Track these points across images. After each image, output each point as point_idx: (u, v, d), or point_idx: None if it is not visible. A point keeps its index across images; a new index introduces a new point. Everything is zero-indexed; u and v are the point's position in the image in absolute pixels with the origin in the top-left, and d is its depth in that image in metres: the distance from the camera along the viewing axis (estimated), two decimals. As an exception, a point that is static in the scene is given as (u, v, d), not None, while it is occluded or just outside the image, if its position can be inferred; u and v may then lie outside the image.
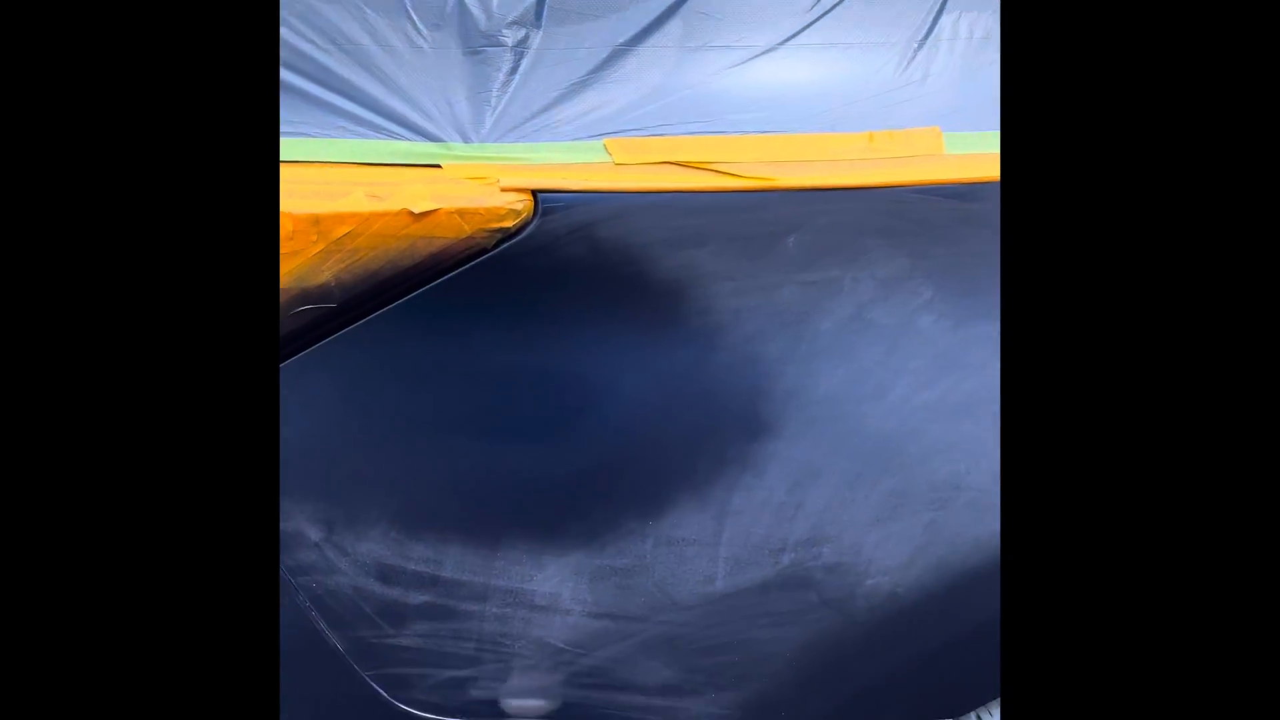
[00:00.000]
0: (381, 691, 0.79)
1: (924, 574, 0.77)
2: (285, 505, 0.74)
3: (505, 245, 0.69)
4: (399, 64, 0.71)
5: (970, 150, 0.73)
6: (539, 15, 0.72)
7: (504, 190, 0.68)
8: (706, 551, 0.76)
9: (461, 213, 0.68)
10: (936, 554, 0.77)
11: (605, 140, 0.71)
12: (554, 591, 0.77)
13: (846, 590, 0.77)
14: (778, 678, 0.79)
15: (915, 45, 0.75)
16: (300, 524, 0.74)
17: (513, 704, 0.80)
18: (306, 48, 0.70)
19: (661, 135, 0.71)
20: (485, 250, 0.70)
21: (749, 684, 0.80)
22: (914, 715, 0.83)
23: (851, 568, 0.77)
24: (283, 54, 0.70)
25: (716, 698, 0.80)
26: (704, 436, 0.75)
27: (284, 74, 0.70)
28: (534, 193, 0.69)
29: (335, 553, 0.75)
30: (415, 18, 0.71)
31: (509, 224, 0.69)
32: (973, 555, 0.77)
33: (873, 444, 0.75)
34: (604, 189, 0.70)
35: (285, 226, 0.66)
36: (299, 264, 0.67)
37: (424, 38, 0.71)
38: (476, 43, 0.72)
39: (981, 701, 0.84)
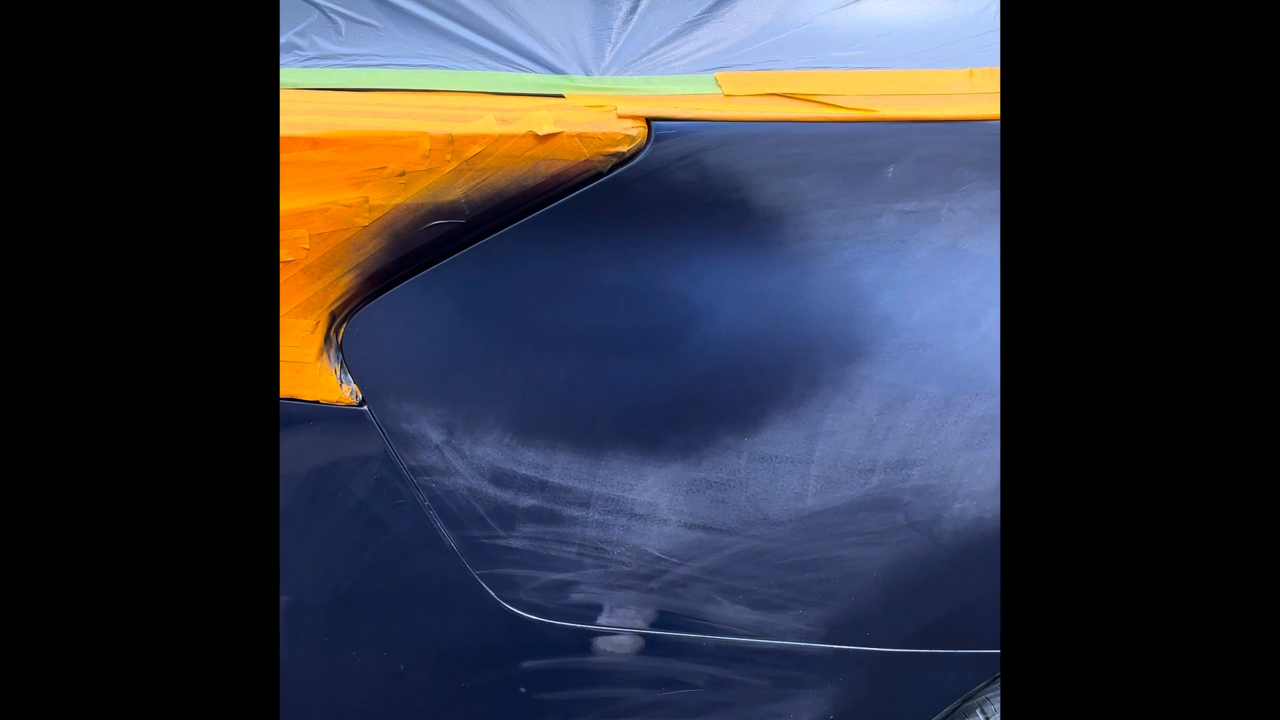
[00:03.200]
0: (490, 591, 0.85)
1: (1011, 501, 0.79)
2: (410, 408, 0.80)
3: (620, 170, 0.75)
4: (530, 4, 0.77)
5: (1069, 87, 0.75)
6: (657, -40, 0.78)
7: (620, 117, 0.74)
8: (798, 469, 0.80)
9: (581, 137, 0.73)
10: (1024, 482, 0.79)
11: (716, 74, 0.76)
12: (652, 501, 0.81)
13: (933, 513, 0.80)
14: (863, 597, 0.82)
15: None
16: (423, 426, 0.81)
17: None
18: (446, -12, 0.77)
19: (769, 70, 0.76)
20: (601, 174, 0.75)
21: (835, 602, 0.83)
22: (996, 643, 0.85)
23: (939, 491, 0.80)
24: (425, -7, 0.77)
25: (804, 614, 0.84)
26: (799, 357, 0.78)
27: (426, 12, 0.77)
28: (648, 120, 0.74)
29: (454, 455, 0.81)
30: (544, -38, 0.77)
31: (624, 148, 0.74)
32: (1060, 485, 0.79)
33: (964, 371, 0.78)
34: (713, 118, 0.74)
35: (422, 145, 0.73)
36: (433, 181, 0.74)
37: (551, -20, 0.77)
38: (599, -15, 0.77)
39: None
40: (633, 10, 0.77)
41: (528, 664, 0.87)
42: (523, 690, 0.87)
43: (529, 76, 0.76)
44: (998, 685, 0.92)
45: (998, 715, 0.92)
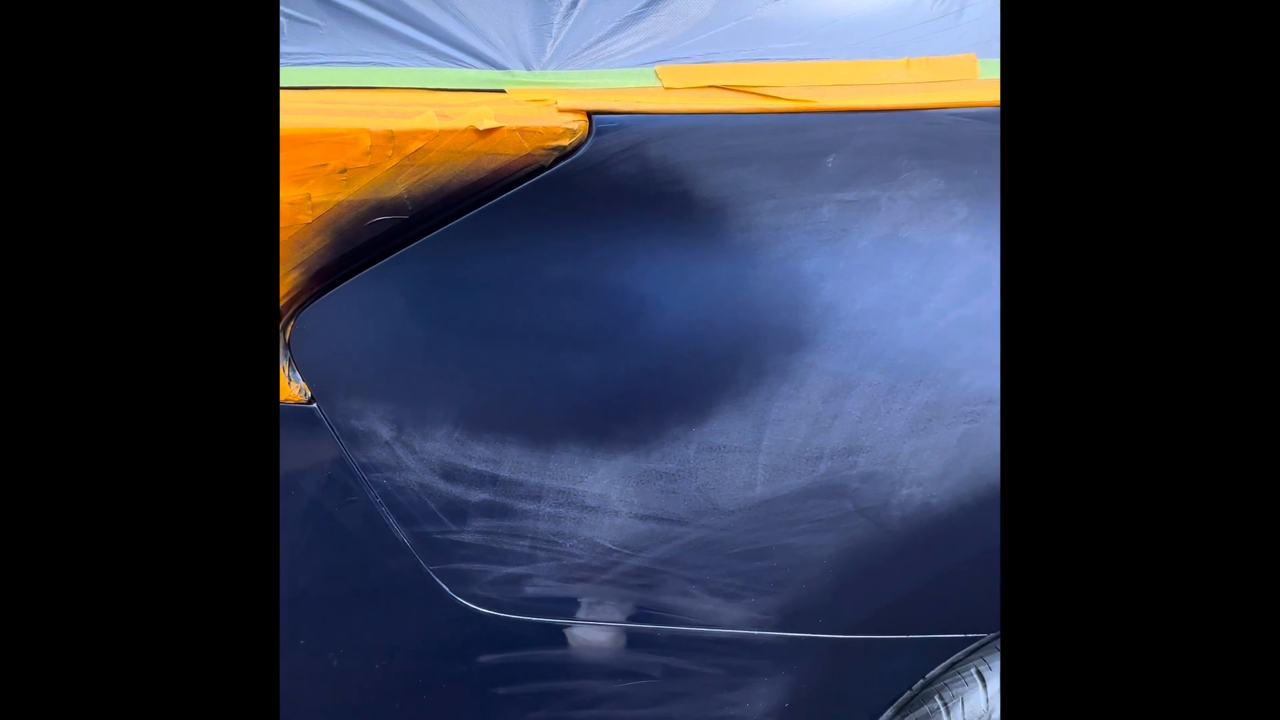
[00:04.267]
0: (444, 586, 0.85)
1: (957, 486, 0.80)
2: (360, 405, 0.80)
3: (562, 163, 0.75)
4: (471, 1, 0.78)
5: (1004, 75, 0.76)
6: (597, -45, 0.78)
7: (561, 111, 0.74)
8: (746, 458, 0.81)
9: (522, 131, 0.74)
10: (970, 466, 0.80)
11: (656, 67, 0.77)
12: (603, 493, 0.82)
13: (881, 499, 0.81)
14: (815, 584, 0.83)
15: (953, -22, 0.79)
16: (373, 423, 0.81)
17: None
18: (386, -14, 0.77)
19: (708, 63, 0.77)
20: (544, 168, 0.76)
21: (787, 590, 0.84)
22: (949, 627, 0.86)
23: (886, 477, 0.80)
24: (365, -10, 0.77)
25: (756, 603, 0.84)
26: (744, 347, 0.79)
27: (367, 10, 0.77)
28: (589, 114, 0.75)
29: (404, 450, 0.81)
30: (485, -41, 0.78)
31: (565, 142, 0.75)
32: (1006, 469, 0.80)
33: (907, 358, 0.79)
34: (654, 110, 0.75)
35: (363, 142, 0.73)
36: (376, 177, 0.74)
37: (492, -24, 0.78)
38: (540, -20, 0.78)
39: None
40: (573, 5, 0.77)
41: (484, 658, 0.87)
42: (479, 685, 0.87)
43: (470, 72, 0.76)
44: (956, 672, 0.93)
45: (957, 701, 0.93)
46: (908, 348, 0.79)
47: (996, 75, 0.76)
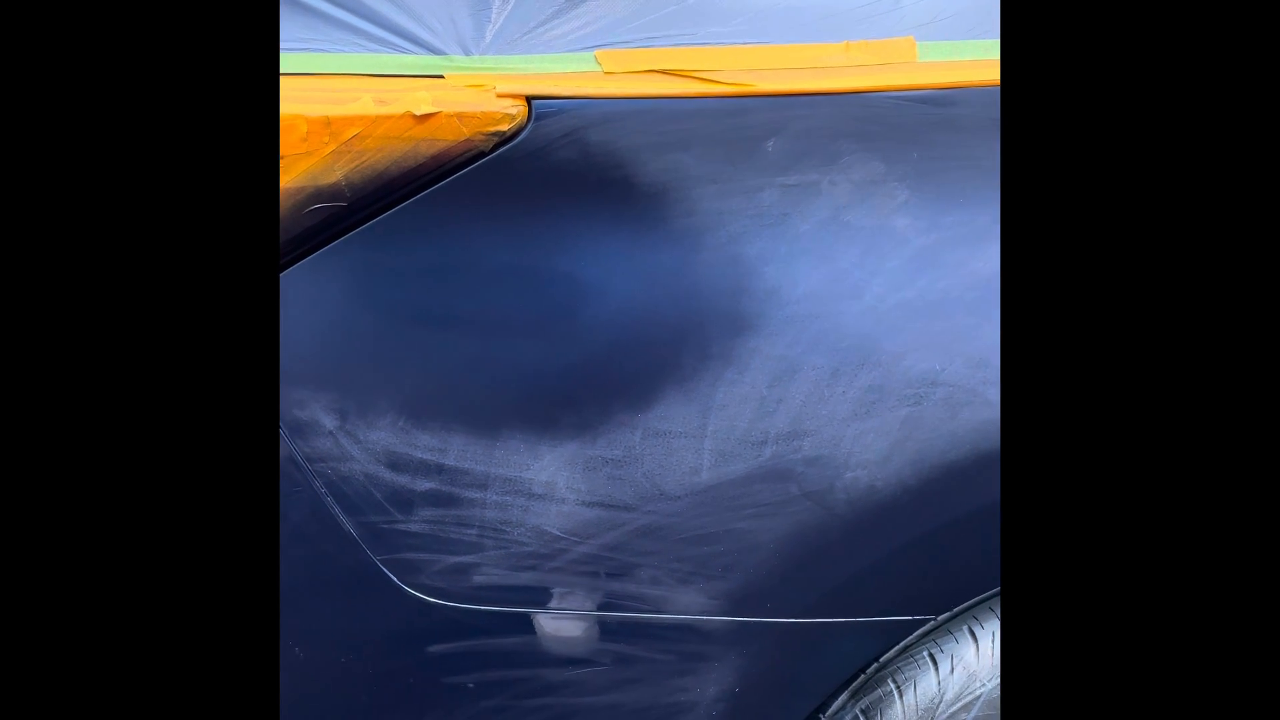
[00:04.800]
0: (392, 576, 0.84)
1: (902, 468, 0.81)
2: (302, 394, 0.80)
3: (501, 149, 0.75)
4: (408, -16, 0.77)
5: (943, 58, 0.77)
6: (537, -62, 0.78)
7: (500, 96, 0.74)
8: (692, 444, 0.81)
9: (460, 116, 0.73)
10: (913, 448, 0.81)
11: (596, 52, 0.76)
12: (550, 480, 0.82)
13: (826, 483, 0.81)
14: (763, 568, 0.83)
15: (892, -39, 0.79)
16: (316, 413, 0.80)
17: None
18: (323, -30, 0.76)
19: (648, 47, 0.76)
20: (483, 154, 0.75)
21: (735, 574, 0.84)
22: (896, 610, 0.87)
23: (830, 461, 0.81)
24: (301, -25, 0.76)
25: (705, 587, 0.84)
26: (688, 333, 0.79)
27: (303, -5, 0.76)
28: (528, 99, 0.74)
29: (348, 440, 0.81)
30: (424, -58, 0.77)
31: (504, 127, 0.74)
32: (950, 450, 0.80)
33: (850, 341, 0.79)
34: (593, 95, 0.75)
35: (299, 128, 0.72)
36: (312, 164, 0.73)
37: (431, -40, 0.77)
38: (479, -36, 0.77)
39: (963, 598, 0.88)
40: (512, -10, 0.77)
41: (434, 648, 0.86)
42: (430, 674, 0.87)
43: (408, 58, 0.76)
44: (908, 655, 0.94)
45: (910, 684, 0.94)
46: (850, 331, 0.79)
47: (935, 58, 0.77)
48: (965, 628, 0.94)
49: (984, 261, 0.78)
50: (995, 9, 0.76)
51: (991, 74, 0.76)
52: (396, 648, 0.87)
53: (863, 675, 0.94)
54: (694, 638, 0.86)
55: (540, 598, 0.85)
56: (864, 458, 0.81)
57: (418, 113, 0.73)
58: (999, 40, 0.75)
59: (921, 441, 0.80)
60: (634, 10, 0.77)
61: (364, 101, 0.73)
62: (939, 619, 0.91)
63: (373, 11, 0.76)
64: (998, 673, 0.91)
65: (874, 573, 0.85)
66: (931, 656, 0.93)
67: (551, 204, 0.77)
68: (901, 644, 0.92)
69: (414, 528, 0.84)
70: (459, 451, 0.81)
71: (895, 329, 0.79)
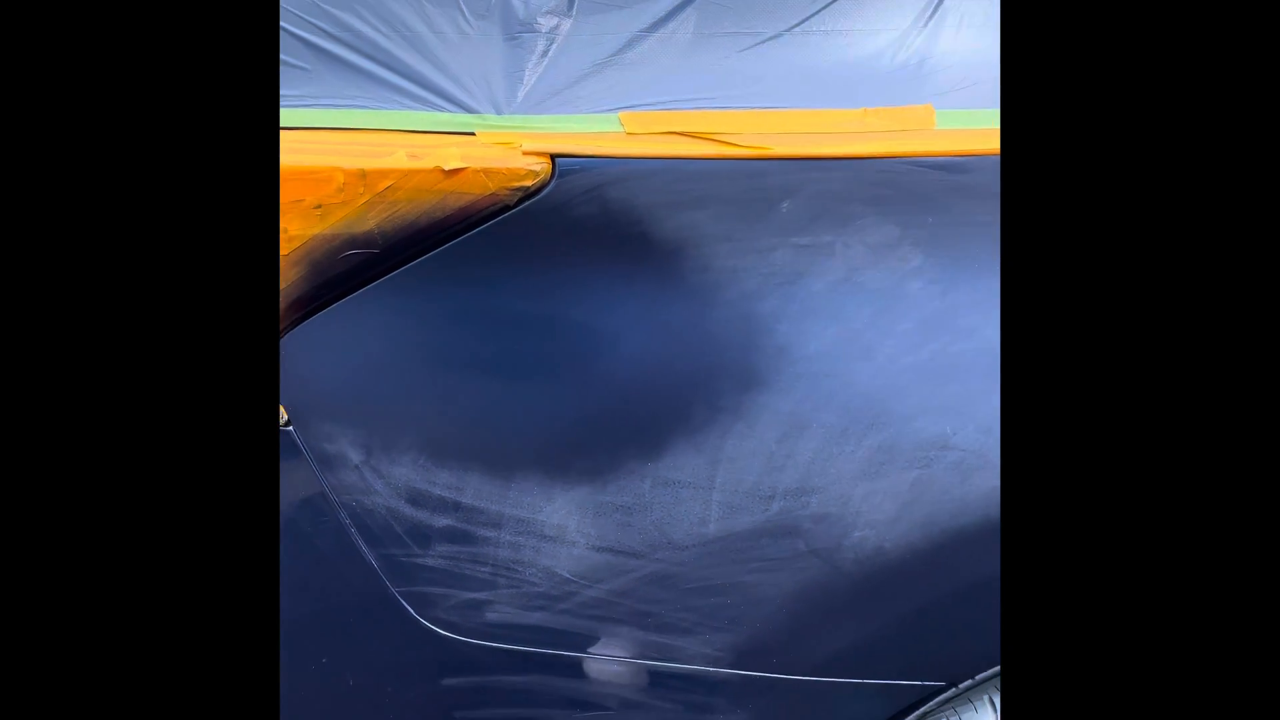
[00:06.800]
0: (408, 607, 0.87)
1: (910, 531, 0.81)
2: (331, 429, 0.84)
3: (525, 203, 0.78)
4: (448, 48, 0.82)
5: (961, 126, 0.77)
6: (571, 5, 0.82)
7: (525, 153, 0.78)
8: (700, 495, 0.82)
9: (487, 172, 0.77)
10: (923, 512, 0.80)
11: (620, 113, 0.80)
12: (561, 523, 0.84)
13: (834, 541, 0.81)
14: (769, 623, 0.84)
15: (915, 31, 0.80)
16: (344, 447, 0.84)
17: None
18: (370, 33, 0.82)
19: (670, 109, 0.79)
20: (508, 207, 0.79)
21: (742, 627, 0.84)
22: (904, 674, 0.85)
23: (838, 519, 0.81)
24: (348, 38, 0.81)
25: (711, 639, 0.85)
26: (700, 386, 0.81)
27: (352, 56, 0.81)
28: (552, 156, 0.78)
29: (372, 474, 0.85)
30: (465, 8, 0.82)
31: (529, 183, 0.78)
32: (960, 515, 0.80)
33: (860, 401, 0.80)
34: (615, 154, 0.78)
35: (336, 180, 0.77)
36: (348, 213, 0.78)
37: (470, 26, 0.82)
38: (515, 30, 0.82)
39: (972, 666, 0.86)
40: (545, 54, 0.81)
41: (447, 681, 0.89)
42: (441, 707, 0.89)
43: (443, 115, 0.80)
44: None
45: None
46: (860, 391, 0.80)
47: (953, 125, 0.78)
48: (985, 697, 0.92)
49: (997, 328, 0.78)
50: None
51: (1011, 141, 0.76)
52: (411, 678, 0.89)
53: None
54: (700, 688, 0.86)
55: (550, 638, 0.87)
56: (872, 518, 0.81)
57: (447, 167, 0.77)
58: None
59: (931, 505, 0.80)
60: (657, 76, 0.80)
61: (398, 156, 0.77)
62: (960, 686, 0.89)
63: (415, 71, 0.81)
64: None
65: (882, 635, 0.84)
66: (949, 725, 0.91)
67: (571, 257, 0.80)
68: (920, 710, 0.91)
69: (431, 562, 0.86)
70: (475, 490, 0.84)
71: (906, 391, 0.79)
